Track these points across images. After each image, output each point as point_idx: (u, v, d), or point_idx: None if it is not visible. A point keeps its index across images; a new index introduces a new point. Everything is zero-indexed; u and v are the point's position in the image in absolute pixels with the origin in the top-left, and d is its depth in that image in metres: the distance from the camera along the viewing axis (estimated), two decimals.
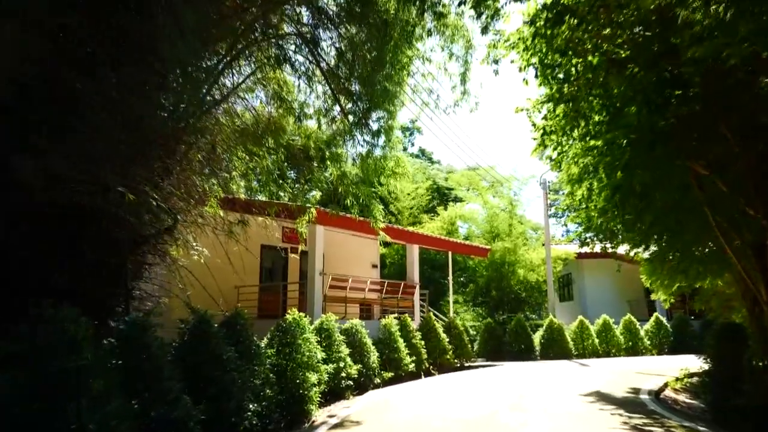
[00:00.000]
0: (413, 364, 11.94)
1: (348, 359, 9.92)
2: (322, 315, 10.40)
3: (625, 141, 7.07)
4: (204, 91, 7.98)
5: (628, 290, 25.67)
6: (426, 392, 9.80)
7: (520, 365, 14.41)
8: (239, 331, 6.80)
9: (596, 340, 17.85)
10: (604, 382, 10.31)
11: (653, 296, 12.79)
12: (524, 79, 8.00)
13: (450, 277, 19.01)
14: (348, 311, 14.53)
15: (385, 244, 25.85)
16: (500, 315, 22.51)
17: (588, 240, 10.24)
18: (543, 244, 24.59)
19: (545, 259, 22.70)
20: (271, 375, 6.89)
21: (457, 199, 28.65)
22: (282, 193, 11.13)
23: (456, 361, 13.98)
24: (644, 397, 8.42)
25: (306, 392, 7.59)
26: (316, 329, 9.94)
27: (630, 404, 7.83)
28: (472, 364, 14.71)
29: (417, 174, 30.16)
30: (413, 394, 9.62)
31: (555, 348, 17.19)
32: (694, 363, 12.78)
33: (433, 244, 17.32)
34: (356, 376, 9.94)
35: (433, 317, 14.16)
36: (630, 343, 18.29)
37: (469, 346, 14.98)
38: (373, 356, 10.87)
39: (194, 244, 8.99)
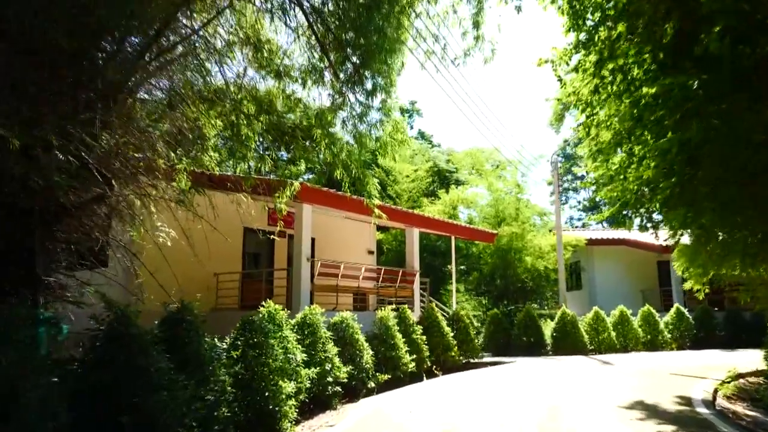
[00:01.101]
0: (413, 364, 10.32)
1: (336, 360, 8.30)
2: (307, 307, 8.76)
3: (695, 81, 5.38)
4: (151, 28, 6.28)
5: (642, 279, 24.13)
6: (430, 401, 8.17)
7: (533, 363, 12.82)
8: (186, 330, 5.15)
9: (613, 334, 16.25)
10: (641, 387, 8.71)
11: (685, 286, 11.13)
12: (559, 7, 6.32)
13: (453, 264, 17.38)
14: (340, 302, 12.92)
15: (383, 229, 24.22)
16: (504, 305, 20.92)
17: (625, 218, 8.56)
18: (550, 230, 23.01)
19: (555, 246, 21.08)
20: (229, 388, 5.25)
21: (458, 182, 26.96)
22: (263, 167, 9.51)
23: (461, 358, 12.38)
24: (703, 411, 6.79)
25: (278, 406, 5.97)
26: (298, 324, 8.31)
27: (691, 422, 6.20)
28: (479, 360, 13.12)
29: (416, 156, 28.48)
30: (415, 404, 7.99)
31: (568, 342, 15.60)
32: (730, 360, 11.25)
33: (436, 228, 15.68)
34: (346, 379, 8.32)
35: (436, 308, 12.54)
36: (649, 337, 16.71)
37: (476, 340, 13.37)
38: (367, 355, 9.25)
39: (159, 224, 7.40)
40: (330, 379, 7.87)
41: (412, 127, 40.94)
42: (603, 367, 11.50)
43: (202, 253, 13.16)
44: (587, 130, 8.69)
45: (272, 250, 15.95)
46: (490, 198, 22.46)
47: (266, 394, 5.79)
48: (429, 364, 11.05)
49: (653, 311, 17.19)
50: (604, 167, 8.34)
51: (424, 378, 10.31)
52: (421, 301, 16.19)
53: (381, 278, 14.11)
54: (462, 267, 23.97)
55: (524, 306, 19.77)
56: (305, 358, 7.34)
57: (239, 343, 6.16)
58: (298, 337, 7.74)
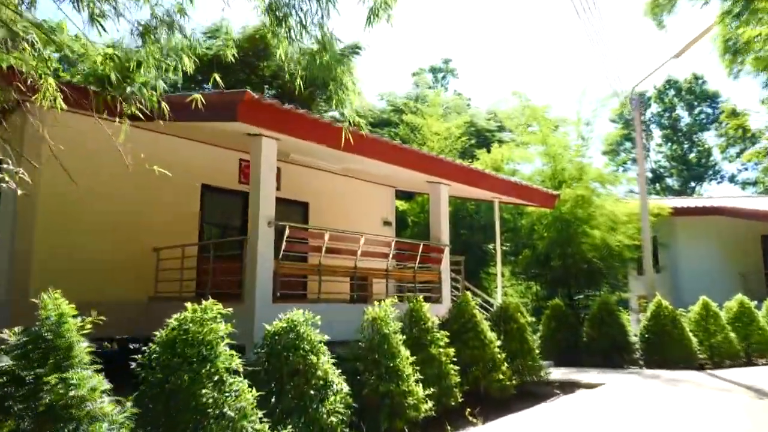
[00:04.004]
0: (429, 404, 5.70)
1: (251, 425, 3.80)
2: (191, 305, 4.22)
3: None
4: None
5: (740, 259, 18.77)
6: None
7: (634, 388, 8.02)
8: None
9: (731, 335, 11.24)
10: None
11: None
12: None
13: (497, 238, 12.66)
14: (326, 289, 8.47)
15: (407, 196, 19.59)
16: (566, 293, 16.04)
17: None
18: (616, 200, 17.79)
19: (631, 215, 16.04)
20: None
21: (502, 143, 21.97)
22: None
23: (513, 380, 7.66)
24: None
25: None
26: (165, 344, 3.82)
27: None
28: (541, 380, 8.40)
29: (450, 114, 23.66)
30: None
31: (668, 347, 10.69)
32: None
33: (473, 182, 10.85)
34: None
35: (472, 301, 7.87)
36: None
37: (536, 351, 8.57)
38: (336, 397, 4.72)
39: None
40: None
41: (446, 89, 35.94)
42: None
43: (142, 220, 9.09)
44: None
45: (245, 217, 11.60)
46: (545, 155, 17.41)
47: None
48: (458, 398, 6.39)
49: None
50: None
51: (449, 431, 5.67)
52: (454, 287, 11.59)
53: (392, 254, 9.51)
54: (507, 246, 19.17)
55: (597, 294, 14.96)
56: None
57: None
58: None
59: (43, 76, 4.76)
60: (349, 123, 4.74)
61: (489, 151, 19.60)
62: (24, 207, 8.42)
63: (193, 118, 7.52)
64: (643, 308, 13.83)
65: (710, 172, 39.10)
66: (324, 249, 8.28)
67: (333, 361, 5.00)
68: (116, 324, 8.23)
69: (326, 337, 4.99)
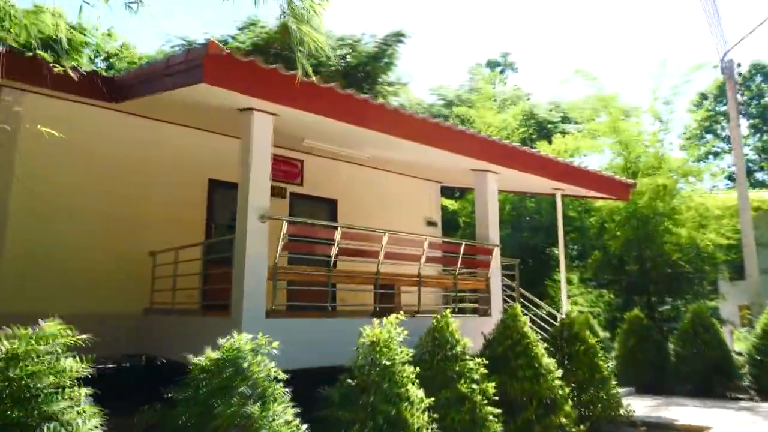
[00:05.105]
0: None
1: None
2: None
3: None
4: None
5: None
6: None
7: None
8: None
9: None
10: None
11: None
12: None
13: (560, 237, 10.57)
14: (343, 298, 6.81)
15: (459, 195, 17.72)
16: (647, 301, 13.61)
17: None
18: (704, 192, 15.15)
19: (724, 209, 13.49)
20: None
21: (565, 134, 19.67)
22: None
23: (582, 424, 5.66)
24: None
25: None
26: None
27: None
28: (623, 417, 6.34)
29: (508, 107, 21.61)
30: None
31: None
32: None
33: (527, 166, 8.86)
34: None
35: (523, 316, 5.93)
36: None
37: (613, 381, 6.49)
38: None
39: None
40: None
41: (505, 84, 33.64)
42: None
43: (138, 219, 7.74)
44: None
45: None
46: (617, 144, 15.04)
47: None
48: None
49: None
50: None
51: None
52: (509, 297, 9.65)
53: (425, 257, 7.66)
54: (573, 248, 16.91)
55: (681, 303, 12.57)
56: None
57: None
58: None
59: None
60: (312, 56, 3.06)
61: (550, 143, 17.40)
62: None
63: (159, 87, 6.08)
64: (746, 321, 11.34)
65: None
66: (335, 250, 6.58)
67: (295, 411, 3.29)
68: (105, 340, 6.86)
69: (282, 375, 3.29)
